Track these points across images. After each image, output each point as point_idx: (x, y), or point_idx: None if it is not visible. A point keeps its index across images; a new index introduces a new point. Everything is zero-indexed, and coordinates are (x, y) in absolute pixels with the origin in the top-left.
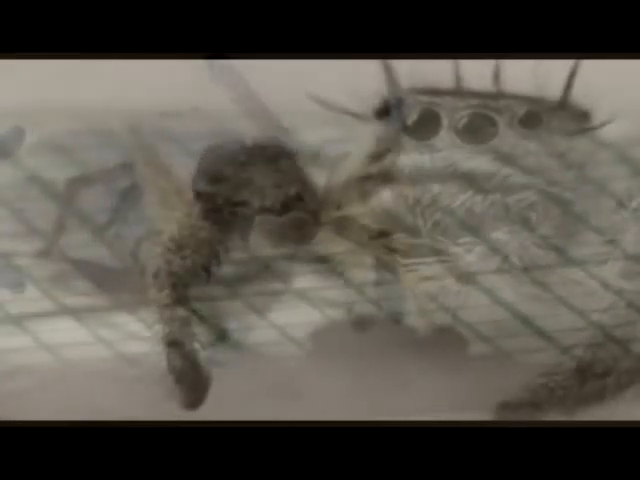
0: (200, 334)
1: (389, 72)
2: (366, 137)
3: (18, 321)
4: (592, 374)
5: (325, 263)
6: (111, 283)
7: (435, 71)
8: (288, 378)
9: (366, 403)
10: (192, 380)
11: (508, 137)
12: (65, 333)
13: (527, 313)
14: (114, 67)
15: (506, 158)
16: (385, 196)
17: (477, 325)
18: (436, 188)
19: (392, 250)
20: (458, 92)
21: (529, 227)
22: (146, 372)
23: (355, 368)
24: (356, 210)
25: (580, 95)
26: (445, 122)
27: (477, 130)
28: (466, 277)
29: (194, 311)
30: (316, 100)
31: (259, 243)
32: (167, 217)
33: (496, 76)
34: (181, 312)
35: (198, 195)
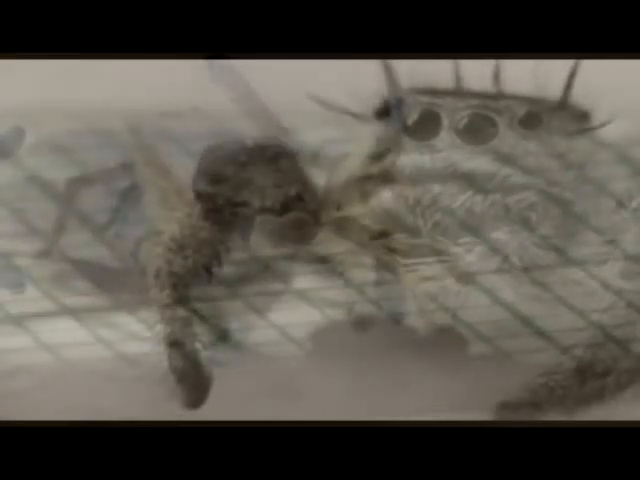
0: (201, 334)
1: (389, 72)
2: (366, 137)
3: (18, 321)
4: (592, 374)
5: (325, 263)
6: (111, 283)
7: (435, 71)
8: (288, 378)
9: (366, 403)
10: (193, 380)
11: (508, 137)
12: (65, 333)
13: (527, 313)
14: (114, 67)
15: (506, 158)
16: (385, 196)
17: (477, 325)
18: (436, 188)
19: (392, 250)
20: (458, 92)
21: (529, 227)
22: (147, 372)
23: (355, 368)
24: (356, 210)
25: (580, 95)
26: (445, 122)
27: (477, 130)
28: (466, 277)
29: (195, 311)
30: (316, 100)
31: (259, 243)
32: (167, 217)
33: (496, 76)
34: (182, 312)
35: (198, 195)
